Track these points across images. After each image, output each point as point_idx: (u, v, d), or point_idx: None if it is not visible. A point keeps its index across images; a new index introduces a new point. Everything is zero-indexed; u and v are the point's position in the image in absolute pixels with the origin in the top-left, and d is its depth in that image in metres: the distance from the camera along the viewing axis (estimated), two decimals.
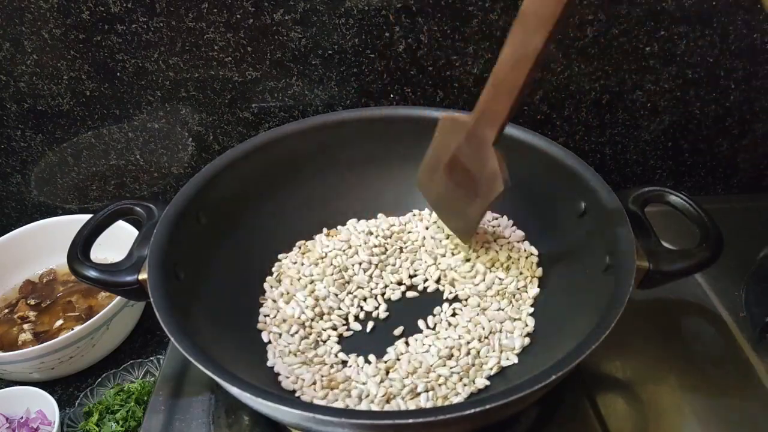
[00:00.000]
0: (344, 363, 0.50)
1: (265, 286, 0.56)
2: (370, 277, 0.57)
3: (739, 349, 0.53)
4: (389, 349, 0.50)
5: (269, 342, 0.51)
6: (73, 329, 0.58)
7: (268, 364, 0.49)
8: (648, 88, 0.65)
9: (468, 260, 0.57)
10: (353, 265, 0.57)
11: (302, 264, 0.58)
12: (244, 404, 0.40)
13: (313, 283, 0.56)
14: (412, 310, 0.54)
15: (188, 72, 0.63)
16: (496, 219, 0.60)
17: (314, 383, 0.47)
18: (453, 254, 0.58)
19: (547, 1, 0.37)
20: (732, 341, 0.54)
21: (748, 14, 0.59)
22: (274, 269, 0.57)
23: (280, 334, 0.51)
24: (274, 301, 0.55)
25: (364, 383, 0.47)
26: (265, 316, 0.54)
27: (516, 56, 0.40)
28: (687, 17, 0.60)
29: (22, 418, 0.55)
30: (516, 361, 0.49)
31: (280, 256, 0.58)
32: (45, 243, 0.69)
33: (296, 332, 0.51)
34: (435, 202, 0.56)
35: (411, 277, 0.57)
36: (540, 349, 0.49)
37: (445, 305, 0.54)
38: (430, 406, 0.45)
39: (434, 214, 0.60)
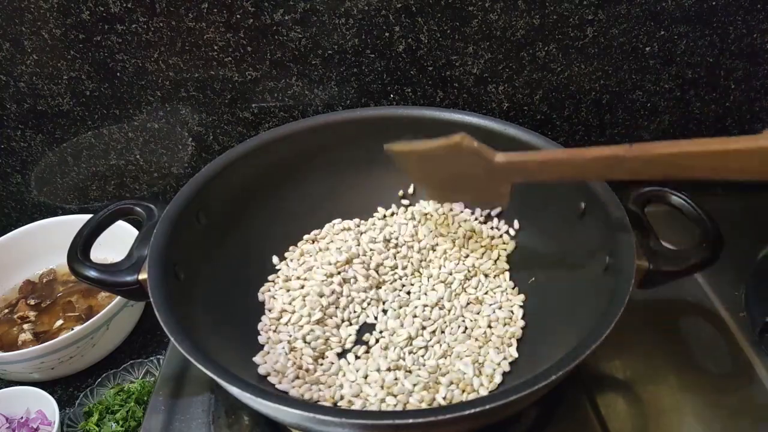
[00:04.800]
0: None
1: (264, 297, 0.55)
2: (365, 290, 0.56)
3: (739, 349, 0.53)
4: (389, 353, 0.50)
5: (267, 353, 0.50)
6: (73, 329, 0.58)
7: (260, 371, 0.48)
8: (648, 88, 0.65)
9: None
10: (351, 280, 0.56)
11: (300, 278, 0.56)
12: (244, 404, 0.40)
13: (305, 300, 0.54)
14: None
15: (188, 72, 0.63)
16: (496, 219, 0.60)
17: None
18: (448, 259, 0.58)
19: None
20: (732, 341, 0.54)
21: (748, 14, 0.59)
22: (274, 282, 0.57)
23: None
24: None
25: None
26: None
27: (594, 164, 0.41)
28: (687, 17, 0.60)
29: (22, 418, 0.55)
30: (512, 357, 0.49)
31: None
32: (45, 243, 0.69)
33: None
34: (418, 178, 0.57)
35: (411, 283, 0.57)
36: (540, 349, 0.49)
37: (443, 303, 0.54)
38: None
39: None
